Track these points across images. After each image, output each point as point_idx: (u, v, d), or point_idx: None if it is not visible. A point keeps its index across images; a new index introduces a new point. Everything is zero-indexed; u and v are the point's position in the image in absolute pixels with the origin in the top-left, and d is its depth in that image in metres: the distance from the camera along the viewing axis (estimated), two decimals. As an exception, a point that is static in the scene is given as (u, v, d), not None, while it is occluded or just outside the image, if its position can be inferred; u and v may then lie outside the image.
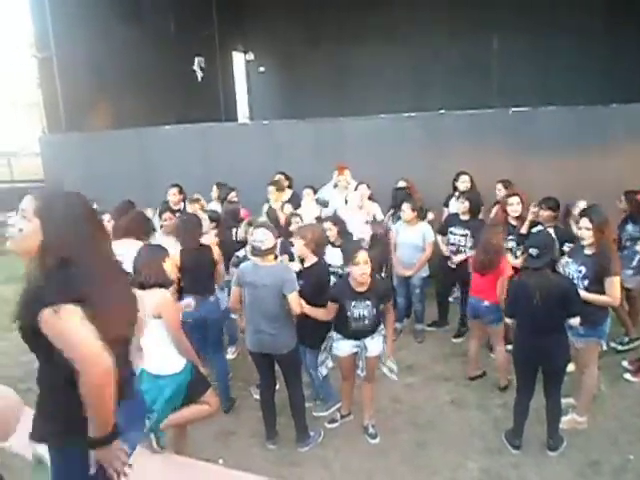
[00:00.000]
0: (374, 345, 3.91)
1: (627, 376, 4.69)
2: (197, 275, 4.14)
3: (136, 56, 10.81)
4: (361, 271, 3.66)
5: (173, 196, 6.18)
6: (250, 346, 3.89)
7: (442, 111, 7.22)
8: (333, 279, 4.98)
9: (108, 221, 5.07)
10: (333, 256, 4.74)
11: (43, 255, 1.87)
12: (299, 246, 4.05)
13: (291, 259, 4.46)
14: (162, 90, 11.52)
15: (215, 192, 6.32)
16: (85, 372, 1.75)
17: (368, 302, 3.76)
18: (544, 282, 3.43)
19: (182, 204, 6.18)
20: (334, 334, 3.95)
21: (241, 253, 4.60)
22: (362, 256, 3.68)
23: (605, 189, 5.48)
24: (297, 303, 3.69)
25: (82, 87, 9.50)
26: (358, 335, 3.86)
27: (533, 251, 3.48)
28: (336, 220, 5.03)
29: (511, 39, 14.19)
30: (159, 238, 5.06)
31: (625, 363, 4.82)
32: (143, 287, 3.20)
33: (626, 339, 5.19)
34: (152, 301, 3.19)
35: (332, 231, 4.85)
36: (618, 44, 13.80)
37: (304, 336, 4.02)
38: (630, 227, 5.07)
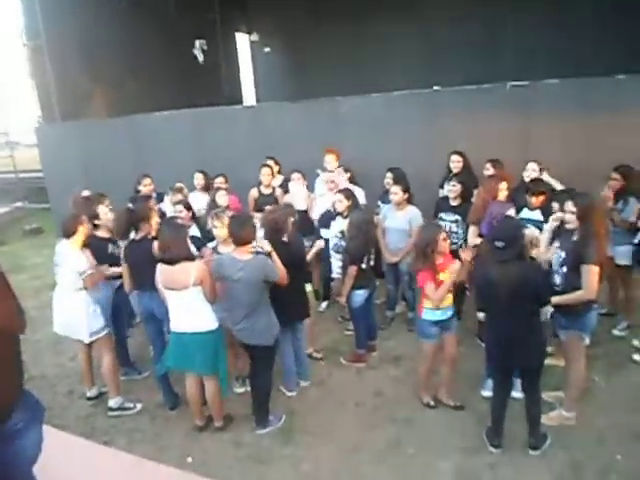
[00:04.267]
0: None
1: (636, 357, 4.50)
2: (142, 269, 3.99)
3: (133, 40, 10.64)
4: None
5: (144, 187, 6.15)
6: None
7: (436, 87, 6.88)
8: (338, 255, 5.04)
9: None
10: (340, 226, 4.95)
11: None
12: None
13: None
14: (162, 75, 11.37)
15: (198, 180, 6.15)
16: None
17: None
18: (508, 273, 3.18)
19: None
20: None
21: (211, 245, 4.44)
22: None
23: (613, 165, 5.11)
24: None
25: (75, 75, 9.39)
26: None
27: (499, 243, 3.23)
28: (348, 194, 5.12)
29: (527, 10, 13.60)
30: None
31: (636, 342, 4.62)
32: (172, 263, 3.67)
33: (625, 324, 4.93)
34: (190, 272, 3.65)
35: (342, 203, 5.02)
36: (634, 15, 13.08)
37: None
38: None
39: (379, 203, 5.89)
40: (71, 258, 4.17)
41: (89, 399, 4.58)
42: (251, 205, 6.14)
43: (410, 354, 4.90)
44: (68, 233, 4.26)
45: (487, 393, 3.99)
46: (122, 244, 4.61)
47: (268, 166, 6.17)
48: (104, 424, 4.25)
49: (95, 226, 4.62)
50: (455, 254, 4.24)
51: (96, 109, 10.08)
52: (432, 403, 4.12)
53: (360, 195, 5.73)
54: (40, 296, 6.98)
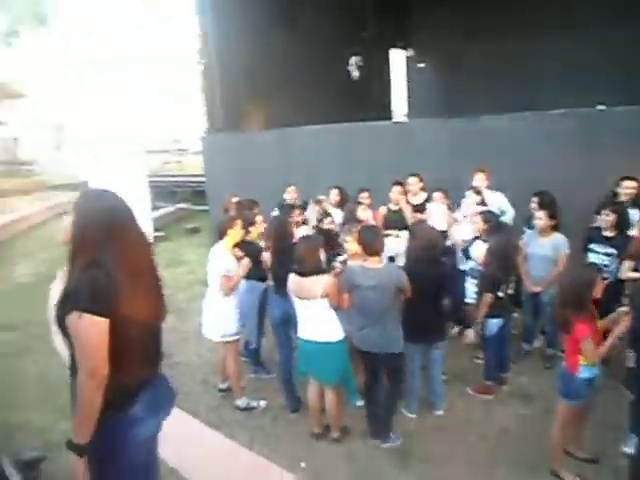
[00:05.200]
0: None
1: None
2: (284, 275, 4.13)
3: (291, 59, 11.27)
4: None
5: (288, 194, 6.49)
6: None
7: (601, 107, 6.30)
8: (473, 280, 4.90)
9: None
10: (479, 250, 4.74)
11: (73, 250, 1.99)
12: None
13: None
14: (315, 91, 11.85)
15: (334, 195, 6.30)
16: (81, 379, 1.85)
17: None
18: None
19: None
20: None
21: (341, 258, 4.52)
22: None
23: None
24: None
25: (238, 90, 10.23)
26: None
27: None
28: (487, 217, 4.96)
29: None
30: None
31: None
32: (304, 275, 3.79)
33: None
34: (318, 285, 3.76)
35: (479, 225, 4.93)
36: None
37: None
38: None
39: (524, 228, 5.56)
40: (219, 258, 4.50)
41: (220, 391, 4.92)
42: (380, 222, 6.10)
43: (544, 393, 4.51)
44: (221, 234, 4.63)
45: (629, 450, 3.53)
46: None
47: (399, 184, 6.13)
48: (230, 417, 4.53)
49: (248, 231, 4.92)
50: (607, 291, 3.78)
51: (255, 122, 10.87)
52: None
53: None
54: (192, 289, 7.66)
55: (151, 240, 10.47)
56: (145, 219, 10.58)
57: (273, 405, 4.66)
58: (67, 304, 1.91)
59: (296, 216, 5.51)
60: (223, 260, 4.46)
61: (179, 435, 2.52)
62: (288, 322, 4.39)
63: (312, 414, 4.18)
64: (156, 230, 11.43)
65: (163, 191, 15.30)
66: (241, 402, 4.62)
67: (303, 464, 3.84)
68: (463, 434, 4.12)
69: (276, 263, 4.48)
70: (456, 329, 5.85)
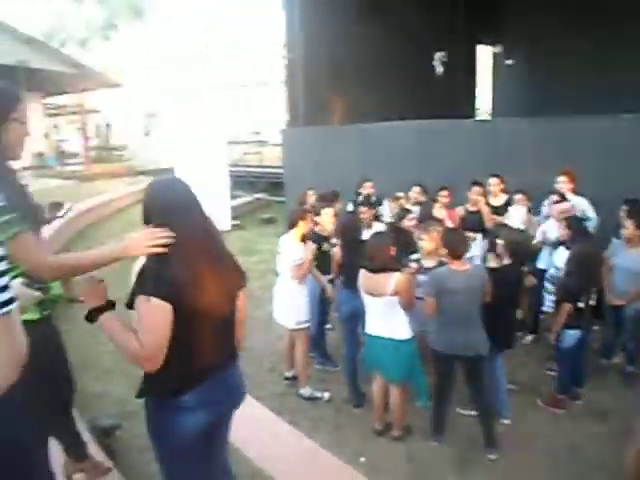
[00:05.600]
0: None
1: None
2: (354, 270, 4.15)
3: (375, 53, 11.27)
4: None
5: (364, 190, 6.45)
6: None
7: None
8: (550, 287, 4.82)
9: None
10: (562, 256, 4.63)
11: None
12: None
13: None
14: (398, 86, 11.78)
15: (415, 192, 6.20)
16: (136, 357, 1.97)
17: None
18: None
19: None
20: None
21: (414, 257, 4.48)
22: None
23: None
24: None
25: (321, 85, 10.33)
26: None
27: None
28: (570, 222, 4.87)
29: None
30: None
31: None
32: (374, 271, 3.81)
33: None
34: (389, 281, 3.74)
35: (561, 230, 4.86)
36: None
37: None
38: None
39: (613, 238, 5.26)
40: (289, 248, 4.62)
41: (286, 379, 5.03)
42: (456, 223, 5.96)
43: (620, 412, 4.26)
44: (291, 225, 4.74)
45: None
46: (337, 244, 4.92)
47: (479, 184, 5.98)
48: (294, 405, 4.62)
49: (315, 223, 4.99)
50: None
51: (336, 116, 10.96)
52: None
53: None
54: (265, 278, 7.82)
55: (228, 228, 10.83)
56: (224, 208, 10.95)
57: (337, 398, 4.71)
58: (138, 288, 2.01)
59: (364, 212, 5.45)
60: (293, 249, 4.57)
61: (245, 419, 2.61)
62: (356, 317, 4.41)
63: (375, 410, 4.19)
64: (233, 219, 11.78)
65: (242, 181, 15.71)
66: (305, 391, 4.71)
67: (363, 459, 3.86)
68: (528, 446, 3.97)
69: (346, 258, 4.51)
70: (529, 338, 5.66)
